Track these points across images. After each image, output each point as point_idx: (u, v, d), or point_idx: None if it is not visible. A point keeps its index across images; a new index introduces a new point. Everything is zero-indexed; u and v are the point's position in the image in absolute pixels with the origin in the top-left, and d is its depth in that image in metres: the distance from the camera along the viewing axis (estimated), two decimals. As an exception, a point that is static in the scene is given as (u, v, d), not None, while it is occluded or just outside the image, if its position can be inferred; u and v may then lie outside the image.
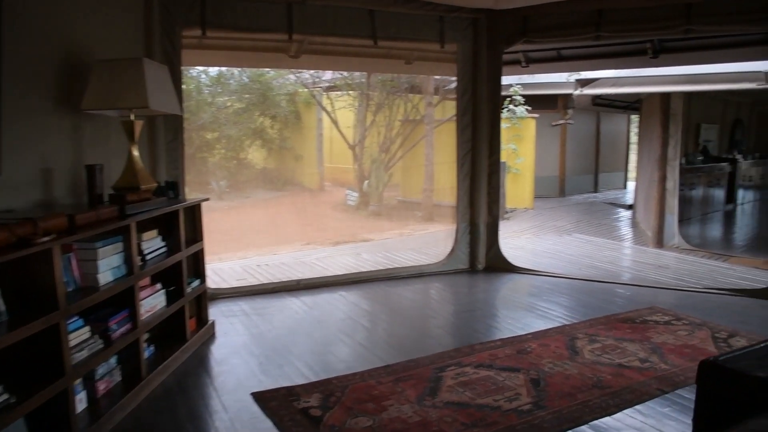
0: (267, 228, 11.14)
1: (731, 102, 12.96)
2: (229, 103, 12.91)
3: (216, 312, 4.78)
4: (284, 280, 5.86)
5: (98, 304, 2.95)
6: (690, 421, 2.90)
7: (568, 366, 3.68)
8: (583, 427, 2.94)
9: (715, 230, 11.02)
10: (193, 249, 4.11)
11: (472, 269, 6.30)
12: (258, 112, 13.18)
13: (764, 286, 5.50)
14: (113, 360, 3.19)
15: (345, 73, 12.15)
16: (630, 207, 12.86)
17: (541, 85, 12.27)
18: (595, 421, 2.99)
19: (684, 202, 9.48)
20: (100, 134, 3.75)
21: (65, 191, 3.40)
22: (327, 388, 3.37)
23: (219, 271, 6.43)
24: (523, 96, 12.21)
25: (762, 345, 2.43)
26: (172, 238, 3.87)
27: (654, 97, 9.37)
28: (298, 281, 5.74)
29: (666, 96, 8.74)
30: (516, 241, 8.65)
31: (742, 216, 12.50)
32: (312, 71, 12.32)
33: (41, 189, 3.21)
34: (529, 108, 12.35)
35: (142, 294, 3.41)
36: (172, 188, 4.11)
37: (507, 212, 11.37)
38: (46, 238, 2.48)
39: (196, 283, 4.19)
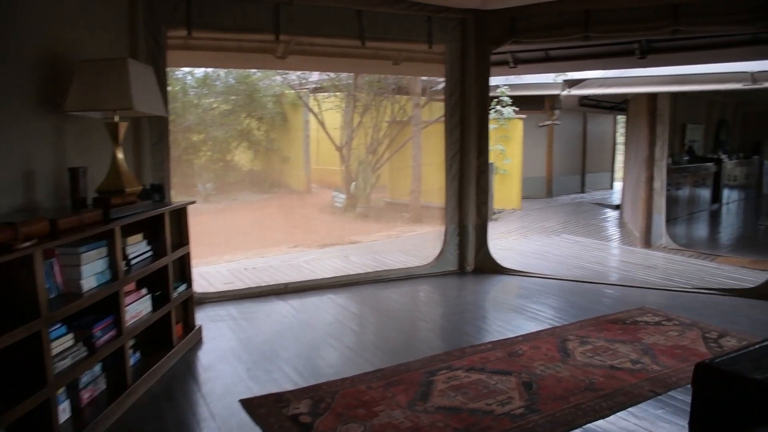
0: (254, 230, 11.06)
1: (716, 102, 13.06)
2: (215, 105, 12.82)
3: (203, 317, 4.71)
4: (272, 283, 5.80)
5: (82, 311, 2.88)
6: (684, 423, 2.90)
7: (560, 368, 3.65)
8: (577, 431, 2.91)
9: (702, 230, 11.08)
10: (180, 253, 4.05)
11: (461, 271, 6.27)
12: (244, 113, 13.11)
13: (752, 286, 5.51)
14: (97, 368, 3.12)
15: (332, 75, 12.11)
16: (617, 207, 12.91)
17: (528, 86, 12.27)
18: (589, 425, 2.96)
19: (671, 202, 9.52)
20: (83, 136, 3.68)
21: (47, 195, 3.33)
22: (317, 394, 3.32)
23: (206, 275, 6.35)
24: (510, 97, 12.21)
25: (757, 347, 2.41)
26: (158, 242, 3.80)
27: (641, 97, 9.40)
28: (286, 284, 5.68)
29: (653, 96, 8.77)
30: (504, 242, 8.64)
31: (728, 215, 12.59)
32: (299, 72, 12.27)
33: (22, 192, 3.13)
34: (517, 109, 12.35)
35: (127, 299, 3.34)
36: (158, 191, 4.04)
37: (495, 213, 11.36)
38: (27, 244, 2.41)
39: (183, 287, 4.12)
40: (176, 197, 4.89)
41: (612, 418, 3.04)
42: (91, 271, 2.97)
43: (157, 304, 3.71)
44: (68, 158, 3.49)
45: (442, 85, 6.29)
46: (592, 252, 8.01)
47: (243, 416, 3.10)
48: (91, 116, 3.61)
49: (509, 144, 12.50)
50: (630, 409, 3.13)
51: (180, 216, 4.13)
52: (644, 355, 3.87)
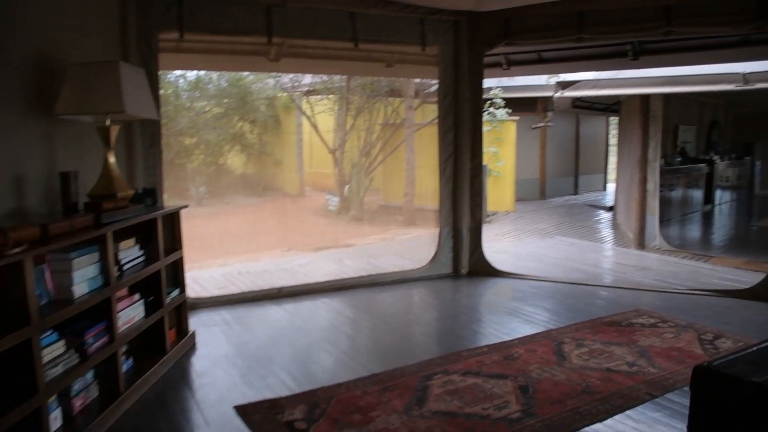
0: (247, 234, 11.02)
1: (707, 104, 13.12)
2: (207, 108, 12.76)
3: (196, 322, 4.67)
4: (266, 287, 5.75)
5: (73, 317, 2.84)
6: (681, 426, 2.89)
7: (556, 371, 3.63)
8: (574, 435, 2.90)
9: (695, 231, 11.10)
10: (172, 258, 4.01)
11: (455, 274, 6.25)
12: (237, 116, 13.06)
13: (746, 287, 5.51)
14: (90, 375, 3.08)
15: (324, 77, 12.07)
16: (610, 209, 12.92)
17: (521, 88, 12.30)
18: (586, 428, 2.95)
19: (664, 203, 9.53)
20: (74, 140, 3.64)
21: (38, 199, 3.28)
22: (312, 400, 3.29)
23: (199, 280, 6.31)
24: (503, 99, 12.22)
25: (755, 349, 2.40)
26: (151, 247, 3.76)
27: (633, 99, 9.41)
28: (280, 289, 5.64)
29: (646, 98, 8.78)
30: (498, 244, 8.62)
31: (720, 216, 12.63)
32: (291, 75, 12.22)
33: (12, 197, 3.09)
34: (510, 111, 12.36)
35: (120, 305, 3.30)
36: (150, 195, 4.00)
37: (488, 216, 11.35)
38: (16, 250, 2.38)
39: (176, 292, 4.08)
40: (169, 201, 4.86)
41: (609, 421, 3.02)
42: (83, 276, 2.93)
43: (149, 309, 3.67)
44: (59, 162, 3.45)
45: (435, 88, 6.27)
46: (587, 254, 8.00)
47: (237, 423, 3.07)
48: (83, 120, 3.58)
49: (502, 146, 12.49)
50: (627, 412, 3.11)
51: (173, 220, 4.09)
52: (640, 357, 3.86)
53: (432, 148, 6.35)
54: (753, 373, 2.13)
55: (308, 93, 12.84)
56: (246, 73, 12.37)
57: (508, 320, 4.80)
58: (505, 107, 12.29)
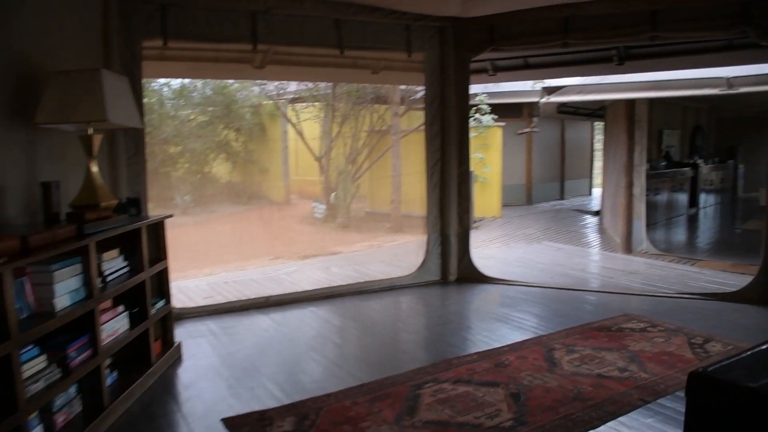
0: (234, 243, 10.92)
1: (691, 108, 13.23)
2: (192, 116, 12.69)
3: (182, 333, 4.60)
4: (252, 297, 5.69)
5: (55, 331, 2.76)
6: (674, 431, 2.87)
7: (548, 378, 3.60)
8: (568, 443, 2.87)
9: (681, 234, 11.16)
10: (157, 268, 3.95)
11: (444, 281, 6.22)
12: (222, 124, 12.99)
13: (733, 290, 5.52)
14: (72, 389, 3.00)
15: (310, 84, 12.05)
16: (597, 213, 12.98)
17: (507, 94, 12.34)
18: (579, 436, 2.92)
19: (650, 207, 9.58)
20: (56, 149, 3.57)
21: (18, 210, 3.21)
22: (301, 411, 3.23)
23: (185, 290, 6.22)
24: (489, 105, 12.25)
25: (749, 353, 2.38)
26: (135, 258, 3.70)
27: (619, 103, 9.46)
28: (267, 298, 5.58)
29: (631, 103, 8.83)
30: (486, 250, 8.61)
31: (705, 219, 12.72)
32: (276, 82, 12.19)
33: (-8, 209, 3.02)
34: (495, 117, 12.39)
35: (104, 318, 3.23)
36: (134, 205, 3.94)
37: (475, 221, 11.35)
38: (-4, 263, 2.31)
39: (161, 303, 4.01)
40: (153, 211, 4.79)
41: (602, 428, 2.99)
42: (65, 289, 2.86)
43: (134, 321, 3.61)
44: (40, 172, 3.38)
45: (421, 94, 6.25)
46: (574, 259, 8.01)
47: (225, 436, 3.01)
48: (64, 129, 3.51)
49: (488, 152, 12.52)
50: (620, 418, 3.09)
51: (157, 230, 4.02)
52: (631, 362, 3.84)
53: (418, 154, 6.33)
54: (748, 379, 2.11)
55: (293, 100, 12.81)
56: (231, 81, 12.33)
57: (497, 327, 4.76)
58: (490, 113, 12.32)
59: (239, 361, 4.06)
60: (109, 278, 3.38)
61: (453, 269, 6.24)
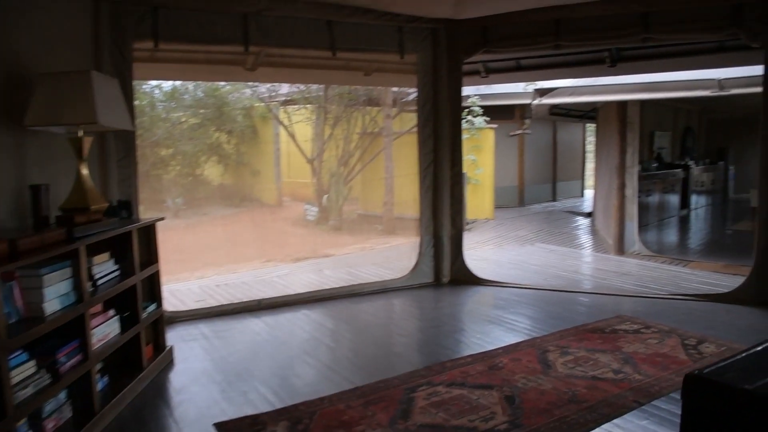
0: (225, 246, 10.87)
1: (682, 110, 13.29)
2: (183, 119, 12.63)
3: (174, 336, 4.56)
4: (245, 300, 5.66)
5: (45, 336, 2.73)
6: (670, 435, 2.86)
7: (542, 381, 3.59)
8: (563, 446, 2.85)
9: (672, 236, 11.20)
10: (149, 271, 3.91)
11: (437, 283, 6.20)
12: (214, 127, 12.94)
13: (726, 291, 5.53)
14: (62, 395, 2.96)
15: (302, 87, 12.02)
16: (589, 215, 13.01)
17: (499, 96, 12.35)
18: (575, 439, 2.90)
19: (641, 209, 9.61)
20: (45, 152, 3.53)
21: (7, 214, 3.17)
22: (294, 415, 3.21)
23: (176, 293, 6.18)
24: (481, 107, 12.26)
25: (744, 355, 2.37)
26: (126, 261, 3.66)
27: (610, 105, 9.49)
28: (259, 301, 5.55)
29: (623, 104, 8.86)
30: (479, 252, 8.60)
31: (697, 221, 12.78)
32: (268, 85, 12.15)
33: (-20, 212, 2.98)
34: (488, 119, 12.40)
35: (94, 322, 3.19)
36: (125, 208, 3.91)
37: (468, 223, 11.35)
38: (-16, 267, 2.28)
39: (152, 307, 3.97)
40: (145, 213, 4.76)
41: (597, 430, 2.98)
42: (55, 293, 2.83)
43: (125, 325, 3.57)
44: (29, 175, 3.35)
45: (413, 96, 6.24)
46: (567, 260, 8.01)
47: (218, 441, 2.98)
48: (54, 131, 3.47)
49: (481, 154, 12.52)
50: (615, 420, 3.08)
51: (148, 233, 3.99)
52: (625, 364, 3.83)
53: (411, 156, 6.31)
54: (744, 381, 2.10)
55: (285, 103, 12.78)
56: (222, 83, 12.28)
57: (491, 329, 4.75)
58: (482, 115, 12.32)
59: (231, 365, 4.02)
60: (100, 282, 3.34)
61: (446, 271, 6.23)
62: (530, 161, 16.03)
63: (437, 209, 6.14)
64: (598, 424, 3.03)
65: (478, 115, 12.27)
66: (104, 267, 3.43)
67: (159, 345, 4.09)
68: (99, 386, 3.27)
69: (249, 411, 3.29)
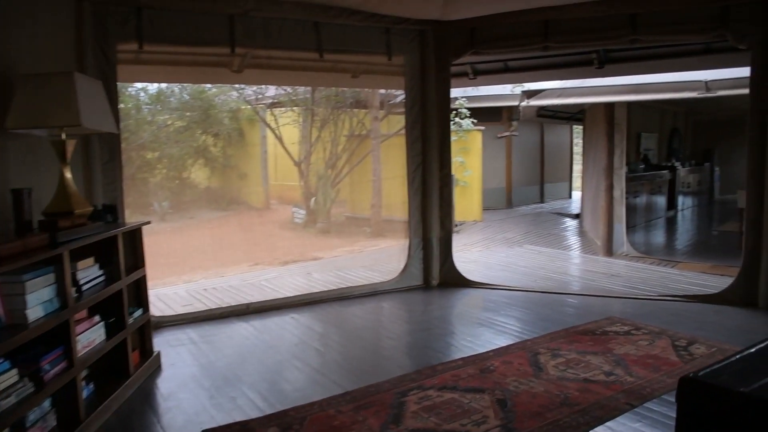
0: (213, 249, 10.79)
1: (668, 111, 13.36)
2: (169, 122, 12.54)
3: (161, 342, 4.50)
4: (233, 304, 5.60)
5: (27, 343, 2.66)
6: (663, 437, 2.84)
7: (534, 383, 3.56)
8: (556, 450, 2.82)
9: (660, 236, 11.24)
10: (135, 276, 3.85)
11: (426, 285, 6.17)
12: (200, 130, 12.86)
13: (714, 291, 5.55)
14: (47, 403, 2.89)
15: (289, 89, 11.97)
16: (576, 216, 13.04)
17: (486, 98, 12.37)
18: (568, 442, 2.88)
19: (629, 210, 9.63)
20: (27, 155, 3.47)
21: (-11, 219, 3.11)
22: (284, 421, 3.16)
23: (163, 297, 6.11)
24: (468, 109, 12.26)
25: (738, 357, 2.35)
26: (111, 266, 3.60)
27: (598, 107, 9.51)
28: (248, 305, 5.49)
29: (610, 106, 8.88)
30: (468, 254, 8.58)
31: (683, 222, 12.85)
32: (255, 87, 12.09)
33: (-39, 217, 2.92)
34: (475, 121, 12.40)
35: (79, 328, 3.13)
36: (110, 212, 3.84)
37: (456, 225, 11.33)
38: (-36, 273, 2.22)
39: (139, 312, 3.91)
40: (131, 217, 4.69)
41: (590, 434, 2.96)
42: (38, 299, 2.76)
43: (111, 331, 3.50)
44: (11, 179, 3.28)
45: (400, 98, 6.21)
46: (556, 262, 8.01)
47: (206, 449, 2.93)
48: (36, 134, 3.41)
49: (469, 156, 12.52)
50: (608, 423, 3.06)
51: (134, 237, 3.92)
52: (617, 366, 3.82)
53: (399, 158, 6.28)
54: (739, 383, 2.08)
55: (272, 105, 12.72)
56: (209, 86, 12.22)
57: (481, 332, 4.72)
58: (470, 117, 12.33)
59: (220, 370, 3.97)
60: (85, 288, 3.27)
61: (435, 274, 6.20)
62: (518, 163, 16.06)
63: (426, 211, 6.11)
64: (591, 427, 3.01)
65: (465, 117, 12.27)
66: (89, 272, 3.36)
67: (146, 351, 4.03)
68: (84, 394, 3.20)
69: (238, 417, 3.24)
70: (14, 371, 2.58)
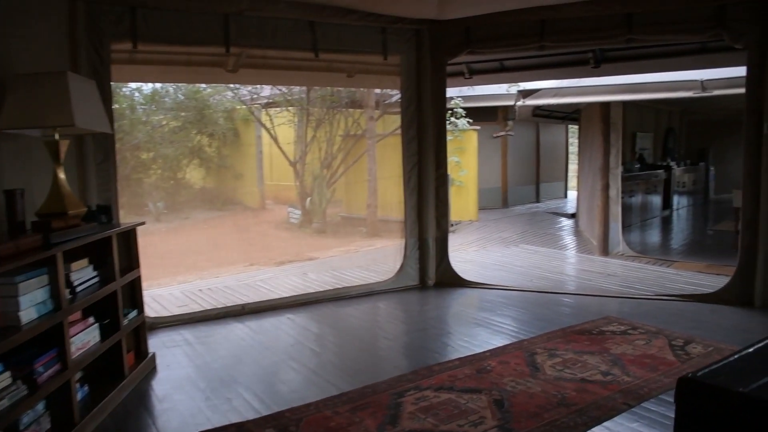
0: (208, 249, 10.75)
1: (663, 111, 13.38)
2: (164, 122, 12.49)
3: (156, 343, 4.47)
4: (228, 304, 5.58)
5: (21, 345, 2.64)
6: (661, 437, 2.83)
7: (531, 384, 3.55)
8: (554, 450, 2.81)
9: (656, 236, 11.26)
10: (129, 277, 3.82)
11: (422, 285, 6.16)
12: (195, 130, 12.80)
13: (710, 291, 5.55)
14: (40, 406, 2.86)
15: (284, 89, 11.93)
16: (572, 216, 13.05)
17: (482, 98, 12.35)
18: (565, 443, 2.87)
19: (625, 210, 9.64)
20: (20, 156, 3.44)
21: (-19, 220, 3.08)
22: (280, 423, 3.14)
23: (158, 298, 6.08)
24: (464, 108, 12.25)
25: (736, 357, 2.34)
26: (106, 267, 3.57)
27: (594, 107, 9.51)
28: (243, 306, 5.47)
29: (606, 105, 8.88)
30: (464, 254, 8.57)
31: (679, 221, 12.87)
32: (250, 87, 12.06)
33: (-47, 218, 2.89)
34: (470, 120, 12.39)
35: (73, 330, 3.10)
36: (105, 212, 3.81)
37: (452, 225, 11.32)
38: (-44, 275, 2.19)
39: (134, 313, 3.89)
40: (125, 218, 4.66)
41: (588, 434, 2.95)
42: (31, 301, 2.74)
43: (105, 332, 3.48)
44: (4, 180, 3.26)
45: (396, 98, 6.19)
46: (552, 262, 8.01)
47: (201, 451, 2.91)
48: (29, 134, 3.38)
49: (464, 155, 12.52)
50: (605, 423, 3.05)
51: (129, 238, 3.90)
52: (614, 366, 3.81)
53: (395, 158, 6.26)
54: (738, 383, 2.07)
55: (267, 105, 12.68)
56: (203, 86, 12.17)
57: (478, 332, 4.71)
58: (465, 117, 12.31)
59: (216, 372, 3.95)
60: (79, 289, 3.25)
61: (431, 273, 6.19)
62: (513, 163, 16.06)
63: (422, 211, 6.10)
64: (589, 428, 3.00)
65: (461, 117, 12.26)
66: (83, 273, 3.34)
67: (141, 352, 4.01)
68: (79, 396, 3.18)
69: (234, 418, 3.22)
70: (7, 374, 2.55)
